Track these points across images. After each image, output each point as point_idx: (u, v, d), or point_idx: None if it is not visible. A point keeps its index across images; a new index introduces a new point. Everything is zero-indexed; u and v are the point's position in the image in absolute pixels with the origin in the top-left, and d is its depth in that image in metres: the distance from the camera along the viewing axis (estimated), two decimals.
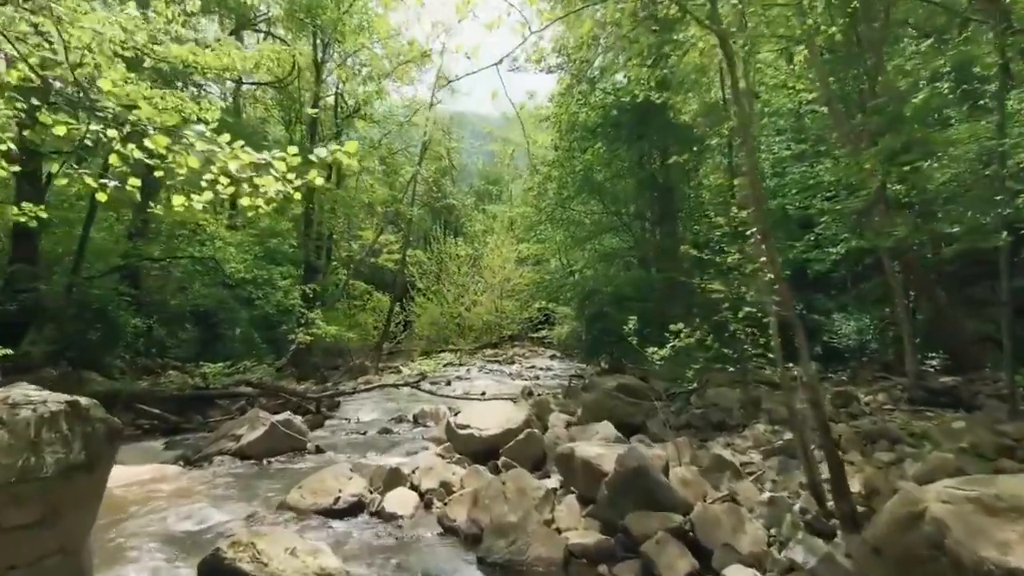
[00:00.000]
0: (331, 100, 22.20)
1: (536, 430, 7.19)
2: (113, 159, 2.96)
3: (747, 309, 5.46)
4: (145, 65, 5.90)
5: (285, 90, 19.54)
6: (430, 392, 12.60)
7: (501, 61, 4.42)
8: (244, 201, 3.11)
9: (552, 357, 23.45)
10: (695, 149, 13.24)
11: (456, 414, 8.22)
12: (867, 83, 10.70)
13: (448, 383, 15.24)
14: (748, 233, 5.17)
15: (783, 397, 5.45)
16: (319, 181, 3.21)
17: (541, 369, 19.56)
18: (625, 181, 16.89)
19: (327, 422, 10.42)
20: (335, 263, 23.49)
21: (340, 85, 21.52)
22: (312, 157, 2.83)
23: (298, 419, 8.44)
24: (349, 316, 22.07)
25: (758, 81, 14.22)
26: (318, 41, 19.57)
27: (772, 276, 4.48)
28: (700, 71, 14.82)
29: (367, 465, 6.76)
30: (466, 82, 28.72)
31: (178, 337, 14.06)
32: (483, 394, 12.95)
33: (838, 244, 11.89)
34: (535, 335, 27.21)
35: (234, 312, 15.09)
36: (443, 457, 6.99)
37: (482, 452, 6.83)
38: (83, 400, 3.24)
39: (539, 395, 12.30)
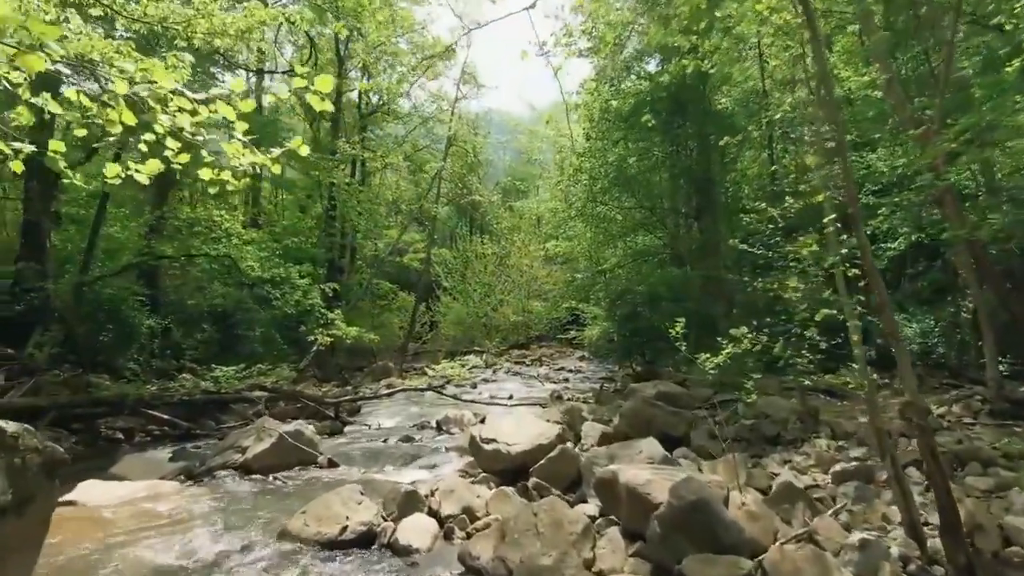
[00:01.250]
0: (354, 96, 21.73)
1: (570, 444, 6.46)
2: (21, 112, 2.33)
3: (825, 311, 4.59)
4: (117, 25, 5.26)
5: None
6: (454, 397, 11.93)
7: (534, 5, 3.71)
8: (204, 174, 2.45)
9: (581, 359, 22.63)
10: (749, 129, 12.23)
11: (481, 421, 7.53)
12: (927, 64, 9.71)
13: (474, 386, 14.59)
14: (825, 221, 4.34)
15: (868, 414, 4.61)
16: (304, 151, 2.53)
17: (570, 371, 18.78)
18: (660, 174, 15.99)
19: (347, 428, 9.87)
20: (359, 262, 23.02)
21: (365, 78, 21.03)
22: (268, 97, 2.16)
23: (310, 428, 7.80)
24: (373, 316, 21.55)
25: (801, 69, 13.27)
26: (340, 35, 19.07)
27: (863, 270, 3.66)
28: (733, 61, 13.91)
29: (381, 484, 6.09)
30: (492, 77, 28.02)
31: (196, 338, 13.60)
32: (510, 398, 12.29)
33: (897, 239, 10.89)
34: (563, 336, 26.35)
35: (253, 312, 14.61)
36: (466, 475, 6.27)
37: (510, 470, 6.10)
38: (10, 427, 2.59)
39: (569, 400, 11.58)
